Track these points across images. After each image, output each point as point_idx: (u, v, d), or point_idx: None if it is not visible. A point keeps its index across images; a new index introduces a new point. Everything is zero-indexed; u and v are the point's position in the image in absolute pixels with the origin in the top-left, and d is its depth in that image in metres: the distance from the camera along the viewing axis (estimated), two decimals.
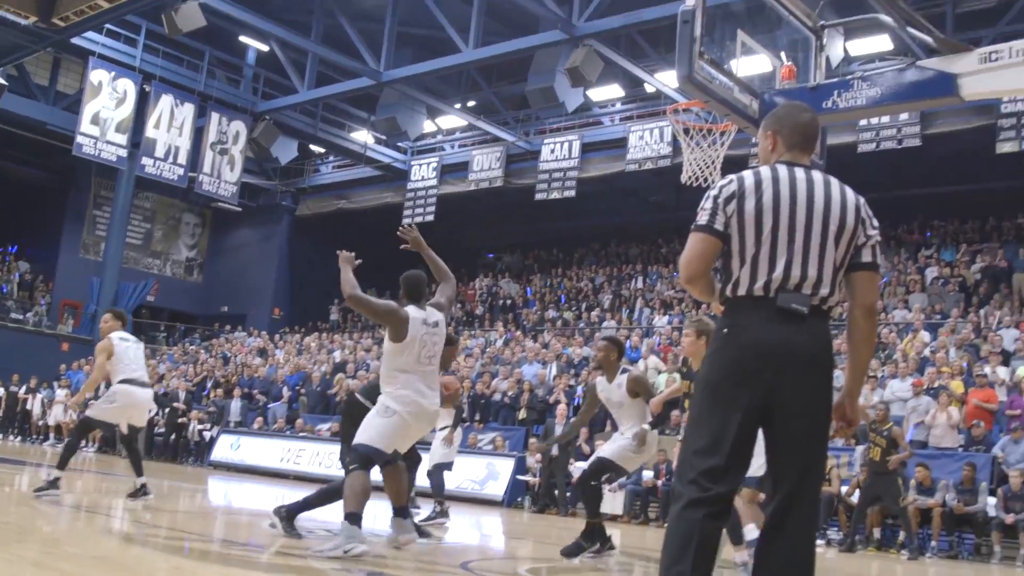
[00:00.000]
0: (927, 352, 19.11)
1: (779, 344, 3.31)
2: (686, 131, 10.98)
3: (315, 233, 32.78)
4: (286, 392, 24.43)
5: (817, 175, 3.48)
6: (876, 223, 3.54)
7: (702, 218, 3.48)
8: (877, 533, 14.31)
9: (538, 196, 26.46)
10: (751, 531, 6.77)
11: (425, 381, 6.70)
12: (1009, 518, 13.74)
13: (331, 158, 33.57)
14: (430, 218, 28.71)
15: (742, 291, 3.41)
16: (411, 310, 6.73)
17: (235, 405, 24.12)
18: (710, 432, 3.32)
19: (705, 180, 10.11)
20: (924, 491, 15.03)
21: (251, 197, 33.41)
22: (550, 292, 30.62)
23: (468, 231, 33.18)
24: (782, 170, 3.48)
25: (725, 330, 3.45)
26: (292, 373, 25.44)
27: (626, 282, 29.11)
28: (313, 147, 32.65)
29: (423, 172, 29.47)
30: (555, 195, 26.18)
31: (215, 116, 28.57)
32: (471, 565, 7.28)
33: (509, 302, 30.54)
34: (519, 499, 18.33)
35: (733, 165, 11.47)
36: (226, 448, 22.82)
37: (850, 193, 3.52)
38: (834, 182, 3.47)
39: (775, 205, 3.39)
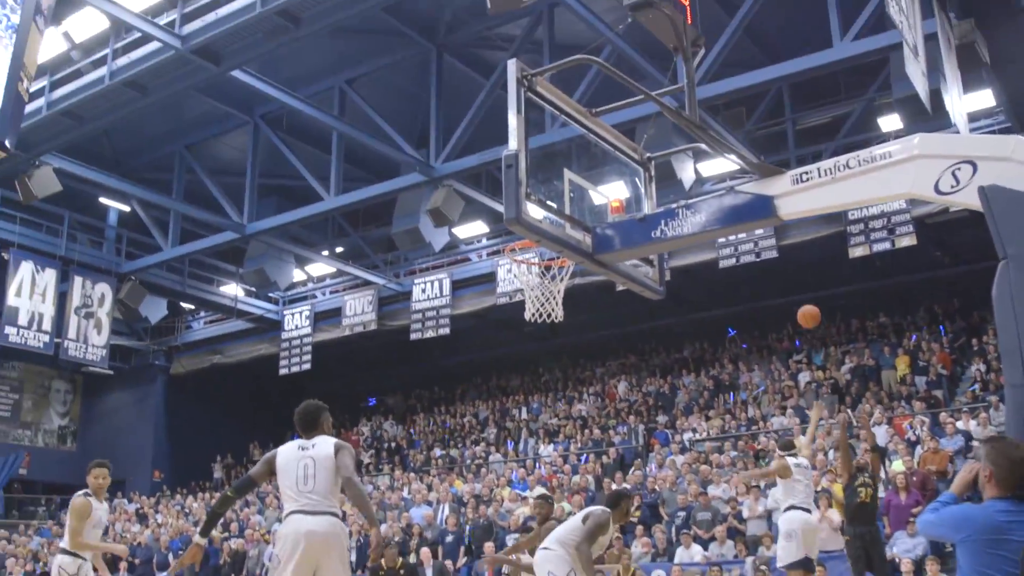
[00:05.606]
0: None
1: None
2: (530, 268, 11.14)
3: (192, 390, 32.18)
4: (172, 559, 23.51)
5: None
6: None
7: None
8: None
9: (413, 336, 26.42)
10: None
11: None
12: None
13: (202, 313, 32.93)
14: (307, 367, 28.46)
15: None
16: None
17: None
18: None
19: (548, 316, 10.23)
20: None
21: (123, 359, 32.61)
22: (434, 430, 30.39)
23: (347, 377, 32.77)
24: None
25: None
26: (174, 537, 24.50)
27: (510, 413, 29.08)
28: (183, 304, 32.02)
29: (296, 321, 29.25)
30: (430, 334, 26.17)
31: (78, 280, 27.80)
32: None
33: (394, 445, 30.18)
34: None
35: (571, 299, 11.70)
36: None
37: None
38: None
39: None
